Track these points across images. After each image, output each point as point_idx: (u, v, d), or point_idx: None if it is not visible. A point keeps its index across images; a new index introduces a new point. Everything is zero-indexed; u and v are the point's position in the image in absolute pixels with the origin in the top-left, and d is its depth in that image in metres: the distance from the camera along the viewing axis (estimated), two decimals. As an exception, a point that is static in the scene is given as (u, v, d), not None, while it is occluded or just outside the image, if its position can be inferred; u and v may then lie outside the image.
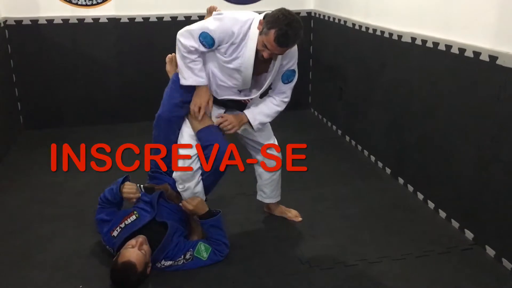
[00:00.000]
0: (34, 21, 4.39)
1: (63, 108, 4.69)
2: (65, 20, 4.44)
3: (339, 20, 4.34)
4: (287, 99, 2.66)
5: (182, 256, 2.50)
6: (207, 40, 2.41)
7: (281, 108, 2.66)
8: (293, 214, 3.06)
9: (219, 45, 2.44)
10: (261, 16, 2.39)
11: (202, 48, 2.44)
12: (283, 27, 2.26)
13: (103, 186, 3.42)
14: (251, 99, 2.67)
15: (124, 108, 4.80)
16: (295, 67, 2.60)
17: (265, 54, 2.36)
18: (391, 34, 3.49)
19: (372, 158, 3.93)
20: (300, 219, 3.04)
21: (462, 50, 2.74)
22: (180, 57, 2.49)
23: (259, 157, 2.87)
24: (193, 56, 2.46)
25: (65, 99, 4.66)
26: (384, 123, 3.70)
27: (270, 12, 2.36)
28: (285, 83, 2.61)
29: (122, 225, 2.54)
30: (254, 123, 2.62)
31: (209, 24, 2.42)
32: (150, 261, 2.43)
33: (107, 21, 4.52)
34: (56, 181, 3.58)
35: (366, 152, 4.04)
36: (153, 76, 4.65)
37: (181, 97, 2.59)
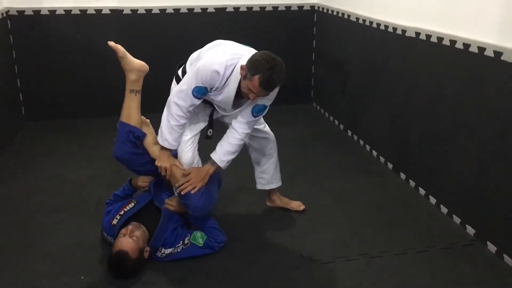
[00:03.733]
0: (37, 12, 4.37)
1: (65, 100, 4.68)
2: (68, 11, 4.42)
3: (343, 14, 4.33)
4: (249, 131, 2.65)
5: (181, 242, 2.52)
6: (201, 92, 2.45)
7: (243, 141, 2.66)
8: (296, 205, 3.08)
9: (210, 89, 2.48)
10: (244, 60, 2.38)
11: (198, 102, 2.50)
12: (266, 72, 2.27)
13: (105, 178, 3.46)
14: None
15: (126, 100, 4.78)
16: (269, 103, 2.61)
17: (251, 96, 2.37)
18: (395, 29, 3.47)
19: (375, 153, 3.92)
20: (303, 207, 3.07)
21: (466, 45, 2.72)
22: (169, 118, 2.51)
23: (251, 142, 2.88)
24: (183, 121, 2.52)
25: (67, 90, 4.65)
26: (387, 118, 3.70)
27: (252, 56, 2.36)
28: (253, 115, 2.59)
29: (122, 213, 2.58)
30: (222, 164, 2.62)
31: (197, 77, 2.42)
32: (146, 247, 2.44)
33: (109, 12, 4.51)
34: (58, 172, 3.58)
35: (368, 147, 4.03)
36: (155, 68, 4.62)
37: (131, 145, 2.64)
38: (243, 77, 2.36)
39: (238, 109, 2.59)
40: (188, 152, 2.65)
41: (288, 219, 2.98)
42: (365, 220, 2.96)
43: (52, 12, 4.40)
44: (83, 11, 4.45)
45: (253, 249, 2.67)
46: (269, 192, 3.07)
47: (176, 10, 4.64)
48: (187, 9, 4.66)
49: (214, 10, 4.72)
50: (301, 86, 5.10)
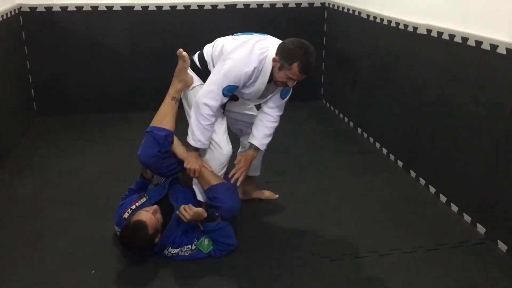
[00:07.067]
0: (48, 8, 4.41)
1: (76, 95, 4.72)
2: (79, 8, 4.45)
3: (354, 11, 4.31)
4: (281, 113, 2.79)
5: (189, 247, 2.51)
6: (232, 90, 2.55)
7: (277, 123, 2.79)
8: (269, 193, 3.15)
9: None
10: (272, 51, 2.48)
11: (226, 99, 2.59)
12: (303, 58, 2.39)
13: (115, 174, 3.48)
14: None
15: (137, 96, 4.81)
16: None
17: (290, 84, 2.49)
18: (406, 26, 3.45)
19: (384, 150, 3.91)
20: (276, 196, 3.14)
21: (478, 43, 2.70)
22: (199, 119, 2.55)
23: (248, 129, 2.90)
24: (213, 119, 2.58)
25: (78, 86, 4.68)
26: (397, 116, 3.68)
27: (283, 46, 2.45)
28: (282, 98, 2.73)
29: (133, 207, 2.60)
30: (263, 147, 2.78)
31: (229, 77, 2.49)
32: (159, 234, 2.47)
33: (120, 9, 4.53)
34: (69, 167, 3.61)
35: (378, 145, 4.02)
36: (166, 64, 4.62)
37: (159, 148, 2.65)
38: (279, 68, 2.45)
39: (264, 99, 2.69)
40: (228, 144, 2.72)
41: (296, 216, 2.98)
42: (375, 218, 2.95)
43: (64, 8, 4.43)
44: (94, 8, 4.47)
45: (261, 246, 2.67)
46: (245, 182, 3.02)
47: (187, 6, 4.65)
48: (198, 5, 4.66)
49: (224, 7, 4.72)
50: (311, 83, 5.09)
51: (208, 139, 2.62)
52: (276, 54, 2.45)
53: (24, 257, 2.56)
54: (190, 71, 2.73)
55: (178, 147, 2.75)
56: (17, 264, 2.49)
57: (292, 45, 2.42)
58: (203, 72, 2.70)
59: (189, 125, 2.63)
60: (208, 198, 2.66)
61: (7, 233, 2.77)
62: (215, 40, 2.74)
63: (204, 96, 2.54)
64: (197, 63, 2.72)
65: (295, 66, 2.39)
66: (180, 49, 2.65)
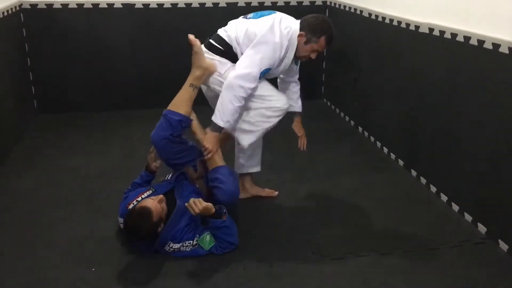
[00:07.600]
0: (49, 5, 4.40)
1: (77, 93, 4.71)
2: (80, 5, 4.44)
3: (355, 9, 4.30)
4: (298, 75, 3.06)
5: (191, 242, 2.51)
6: (266, 72, 2.68)
7: (299, 84, 3.08)
8: (268, 190, 3.17)
9: None
10: (295, 27, 2.65)
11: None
12: (329, 32, 2.65)
13: (115, 172, 3.47)
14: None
15: (137, 94, 4.81)
16: None
17: (313, 56, 2.72)
18: (408, 25, 3.44)
19: (385, 149, 3.90)
20: (276, 193, 3.15)
21: (481, 42, 2.69)
22: (232, 100, 2.58)
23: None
24: (244, 102, 2.64)
25: (79, 84, 4.68)
26: (398, 115, 3.67)
27: (308, 22, 2.64)
28: (296, 64, 2.98)
29: (139, 199, 2.59)
30: (301, 109, 3.11)
31: (264, 61, 2.60)
32: (164, 221, 2.48)
33: (121, 6, 4.52)
34: (69, 165, 3.61)
35: (379, 144, 4.01)
36: (167, 62, 4.66)
37: (172, 131, 2.65)
38: (305, 43, 2.65)
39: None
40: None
41: (298, 215, 2.98)
42: (376, 217, 2.95)
43: (65, 5, 4.42)
44: (95, 5, 4.47)
45: (262, 243, 2.67)
46: (244, 179, 3.07)
47: (188, 4, 4.64)
48: (199, 3, 4.66)
49: (225, 5, 4.71)
50: (312, 81, 5.08)
51: (235, 120, 2.67)
52: (301, 29, 2.63)
53: (24, 255, 2.55)
54: (214, 57, 2.72)
55: (197, 128, 2.77)
56: (17, 262, 2.49)
57: (317, 20, 2.63)
58: (225, 51, 2.71)
59: (217, 106, 2.63)
60: (210, 179, 2.67)
61: (8, 231, 2.77)
62: (228, 23, 2.79)
63: (240, 78, 2.57)
64: (217, 45, 2.73)
65: (322, 39, 2.63)
66: (189, 34, 2.68)
